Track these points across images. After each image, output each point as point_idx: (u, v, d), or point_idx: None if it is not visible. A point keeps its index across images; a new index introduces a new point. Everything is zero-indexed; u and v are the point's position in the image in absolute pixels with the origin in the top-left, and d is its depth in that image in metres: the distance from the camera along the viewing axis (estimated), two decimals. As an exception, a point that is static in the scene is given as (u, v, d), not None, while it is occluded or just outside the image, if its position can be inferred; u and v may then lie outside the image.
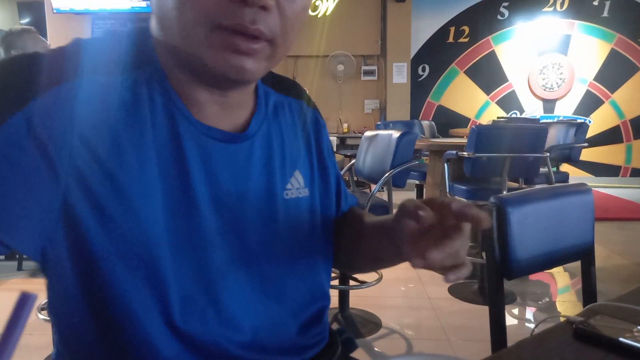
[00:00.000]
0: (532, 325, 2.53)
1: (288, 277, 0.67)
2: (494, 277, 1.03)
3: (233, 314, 0.61)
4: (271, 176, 0.65)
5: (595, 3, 6.42)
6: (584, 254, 1.17)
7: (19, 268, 3.34)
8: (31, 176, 0.48)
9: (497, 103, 6.65)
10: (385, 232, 0.66)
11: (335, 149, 5.76)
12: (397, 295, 2.92)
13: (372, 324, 2.46)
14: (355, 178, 2.98)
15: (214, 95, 0.59)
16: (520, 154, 2.69)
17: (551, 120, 5.63)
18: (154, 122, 0.55)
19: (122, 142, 0.53)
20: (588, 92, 6.56)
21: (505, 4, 6.50)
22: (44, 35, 6.16)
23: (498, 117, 6.20)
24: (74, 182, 0.50)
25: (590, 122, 6.46)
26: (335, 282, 2.49)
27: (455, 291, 2.90)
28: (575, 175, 6.12)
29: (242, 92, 0.62)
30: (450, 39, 6.58)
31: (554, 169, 3.92)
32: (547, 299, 2.94)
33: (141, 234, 0.53)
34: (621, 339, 0.66)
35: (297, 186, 0.68)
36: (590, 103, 6.57)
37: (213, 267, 0.59)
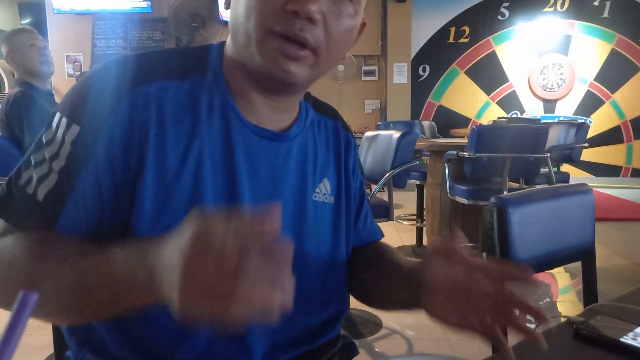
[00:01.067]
0: (532, 326, 2.52)
1: (310, 274, 0.71)
2: (495, 278, 1.03)
3: None
4: (304, 177, 0.72)
5: (596, 3, 6.42)
6: (584, 254, 1.17)
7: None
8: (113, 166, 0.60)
9: (498, 103, 6.65)
10: (410, 282, 0.67)
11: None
12: (398, 295, 2.91)
13: (373, 324, 2.46)
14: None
15: (265, 97, 0.67)
16: (520, 154, 2.69)
17: (552, 121, 5.63)
18: (210, 119, 0.65)
19: (178, 136, 0.62)
20: (588, 93, 6.56)
21: (506, 4, 6.50)
22: (45, 35, 6.17)
23: (498, 118, 6.20)
24: (137, 169, 0.60)
25: (590, 122, 6.46)
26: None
27: (456, 291, 2.89)
28: (576, 175, 6.12)
29: (289, 98, 0.70)
30: (451, 39, 6.58)
31: (555, 169, 3.92)
32: (548, 300, 2.94)
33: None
34: (622, 340, 0.66)
35: (324, 192, 0.75)
36: (590, 103, 6.57)
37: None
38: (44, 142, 0.62)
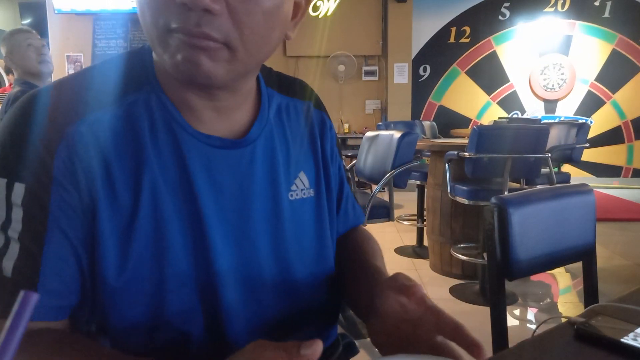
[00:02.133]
0: (533, 326, 2.52)
1: (296, 277, 0.68)
2: (495, 278, 1.03)
3: (237, 317, 0.62)
4: (275, 179, 0.66)
5: (597, 4, 6.42)
6: (585, 255, 1.17)
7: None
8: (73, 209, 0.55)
9: (499, 103, 6.64)
10: (368, 290, 0.64)
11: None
12: (398, 295, 2.91)
13: (373, 324, 2.46)
14: (356, 178, 2.98)
15: (204, 100, 0.60)
16: (521, 154, 2.69)
17: (552, 121, 5.62)
18: (156, 142, 0.58)
19: (125, 171, 0.56)
20: (589, 93, 6.56)
21: (507, 4, 6.50)
22: (45, 35, 6.17)
23: (499, 118, 6.19)
24: (92, 213, 0.55)
25: (591, 122, 6.45)
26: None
27: (456, 292, 2.90)
28: (577, 175, 6.12)
29: (233, 96, 0.62)
30: (452, 40, 6.58)
31: (556, 169, 3.91)
32: (549, 300, 2.94)
33: (157, 253, 0.58)
34: (622, 340, 0.66)
35: (302, 187, 0.70)
36: (591, 103, 6.57)
37: (220, 273, 0.61)
38: None
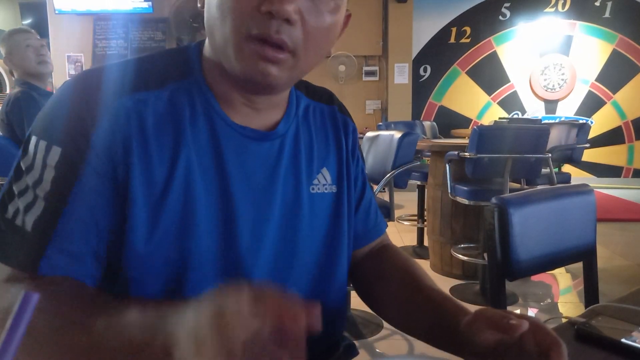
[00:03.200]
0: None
1: (309, 268, 0.71)
2: (496, 278, 1.03)
3: None
4: (297, 171, 0.71)
5: (597, 4, 6.41)
6: (585, 255, 1.17)
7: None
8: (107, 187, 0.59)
9: (499, 104, 6.64)
10: (448, 325, 0.62)
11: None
12: (399, 296, 2.91)
13: (374, 324, 2.46)
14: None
15: (245, 98, 0.66)
16: (522, 154, 2.69)
17: (553, 121, 5.62)
18: (195, 126, 0.63)
19: (162, 149, 0.61)
20: (590, 93, 6.55)
21: (507, 4, 6.49)
22: (46, 35, 6.18)
23: (500, 118, 6.19)
24: (125, 183, 0.59)
25: (592, 122, 6.45)
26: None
27: (457, 292, 2.90)
28: (577, 176, 6.11)
29: (271, 98, 0.68)
30: (452, 40, 6.58)
31: (556, 169, 3.91)
32: (549, 300, 2.94)
33: (184, 228, 0.61)
34: (623, 340, 0.66)
35: (323, 182, 0.74)
36: (592, 104, 6.57)
37: (241, 254, 0.65)
38: (24, 168, 0.59)
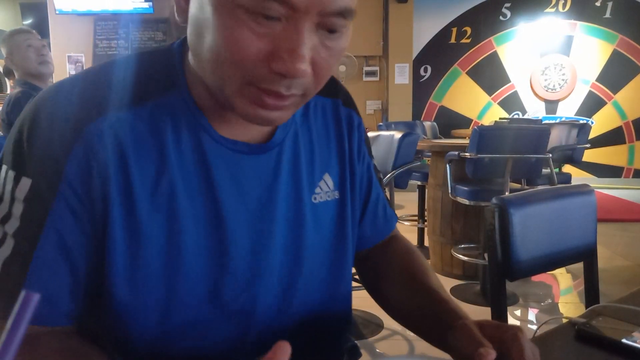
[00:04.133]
0: (534, 327, 2.52)
1: (316, 282, 0.67)
2: (496, 278, 1.03)
3: (257, 318, 0.62)
4: (298, 182, 0.65)
5: (598, 4, 6.41)
6: (586, 255, 1.17)
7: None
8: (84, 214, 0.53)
9: (499, 104, 6.64)
10: (440, 329, 0.61)
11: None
12: (399, 296, 2.91)
13: (374, 325, 2.46)
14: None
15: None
16: (522, 155, 2.69)
17: (553, 121, 5.61)
18: (179, 146, 0.56)
19: (144, 173, 0.54)
20: (590, 93, 6.55)
21: (508, 4, 6.49)
22: (46, 36, 6.18)
23: (500, 118, 6.19)
24: (104, 218, 0.53)
25: (592, 123, 6.45)
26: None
27: (458, 292, 2.89)
28: (578, 176, 6.11)
29: None
30: (453, 40, 6.58)
31: (556, 170, 3.91)
32: (550, 301, 2.94)
33: (170, 265, 0.56)
34: (623, 341, 0.66)
35: (326, 190, 0.68)
36: (592, 104, 6.56)
37: (239, 287, 0.60)
38: None
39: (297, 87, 0.51)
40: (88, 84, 0.56)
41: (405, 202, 5.31)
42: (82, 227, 0.53)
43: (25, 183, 0.51)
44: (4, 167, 0.53)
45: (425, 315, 0.66)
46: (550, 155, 2.88)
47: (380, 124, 5.05)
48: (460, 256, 2.98)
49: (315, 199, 0.67)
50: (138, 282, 0.55)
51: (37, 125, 0.52)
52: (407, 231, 4.28)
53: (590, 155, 6.38)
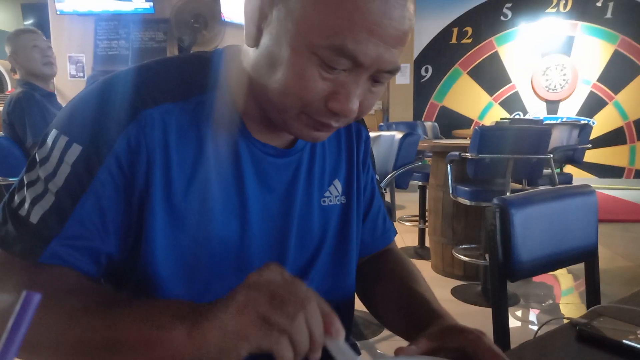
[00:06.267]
0: (535, 327, 2.52)
1: (319, 281, 0.72)
2: (497, 279, 1.03)
3: None
4: (310, 185, 0.72)
5: (599, 4, 6.41)
6: (587, 256, 1.17)
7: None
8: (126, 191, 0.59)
9: (501, 104, 6.64)
10: (422, 330, 0.68)
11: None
12: (400, 296, 2.91)
13: (375, 325, 2.46)
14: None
15: (271, 120, 0.65)
16: (523, 155, 2.68)
17: (554, 122, 5.61)
18: (216, 141, 0.63)
19: (183, 160, 0.61)
20: (591, 94, 6.55)
21: (509, 5, 6.49)
22: (47, 36, 6.18)
23: (501, 118, 6.18)
24: (142, 196, 0.59)
25: (593, 123, 6.44)
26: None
27: (459, 293, 2.89)
28: (579, 176, 6.10)
29: None
30: (453, 40, 6.58)
31: (558, 170, 3.91)
32: (551, 301, 2.93)
33: (202, 235, 0.62)
34: (624, 341, 0.66)
35: (335, 194, 0.75)
36: (593, 104, 6.56)
37: (256, 265, 0.64)
38: (38, 160, 0.58)
39: (343, 122, 0.60)
40: (147, 75, 0.62)
41: (406, 202, 5.31)
42: (120, 199, 0.58)
43: (76, 149, 0.57)
44: (54, 132, 0.59)
45: (406, 315, 0.71)
46: (552, 155, 2.88)
47: (381, 124, 5.05)
48: (461, 257, 2.98)
49: (324, 202, 0.74)
50: (173, 261, 0.61)
51: (96, 102, 0.59)
52: (408, 231, 4.28)
53: (592, 156, 6.38)
